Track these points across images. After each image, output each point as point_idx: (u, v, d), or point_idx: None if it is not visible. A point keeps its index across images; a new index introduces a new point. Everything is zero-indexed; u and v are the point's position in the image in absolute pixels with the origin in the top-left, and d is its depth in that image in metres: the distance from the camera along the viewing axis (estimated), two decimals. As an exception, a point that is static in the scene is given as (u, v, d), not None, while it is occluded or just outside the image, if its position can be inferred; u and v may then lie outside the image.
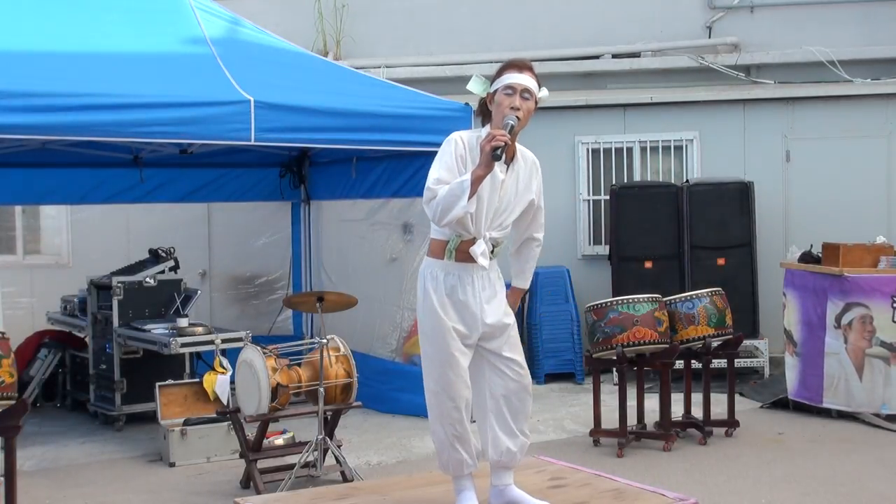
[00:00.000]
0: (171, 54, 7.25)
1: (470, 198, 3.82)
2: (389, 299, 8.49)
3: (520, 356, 4.18)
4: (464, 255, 4.04)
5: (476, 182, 3.84)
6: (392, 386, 8.27)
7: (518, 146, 4.18)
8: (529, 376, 4.21)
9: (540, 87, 4.11)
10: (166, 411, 7.23)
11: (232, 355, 7.03)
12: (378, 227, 8.76)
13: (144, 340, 7.82)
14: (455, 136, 4.05)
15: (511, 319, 4.18)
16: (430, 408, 4.12)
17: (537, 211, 4.30)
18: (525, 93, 4.02)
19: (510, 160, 4.10)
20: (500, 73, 4.10)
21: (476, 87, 4.09)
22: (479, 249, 4.02)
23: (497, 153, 3.82)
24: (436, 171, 3.96)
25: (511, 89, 4.02)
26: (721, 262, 9.61)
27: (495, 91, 4.06)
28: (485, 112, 4.17)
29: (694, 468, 6.69)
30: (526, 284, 4.43)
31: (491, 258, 4.11)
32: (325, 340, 6.14)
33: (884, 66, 10.46)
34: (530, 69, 4.10)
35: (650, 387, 7.99)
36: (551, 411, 8.52)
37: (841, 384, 7.83)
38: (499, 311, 4.13)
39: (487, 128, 4.10)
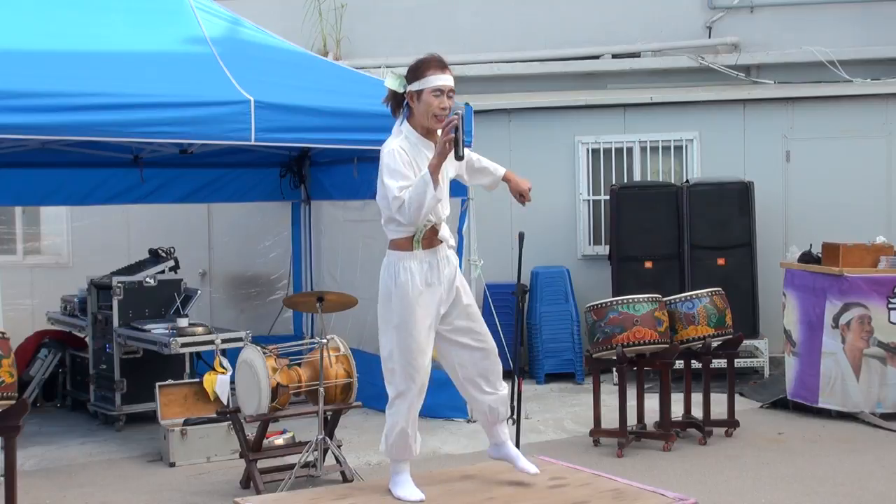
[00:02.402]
0: (172, 54, 7.25)
1: (435, 186, 4.12)
2: (389, 299, 8.47)
3: (478, 324, 4.46)
4: (428, 241, 4.36)
5: (435, 171, 4.13)
6: (392, 386, 8.25)
7: None
8: (491, 339, 4.49)
9: None
10: (166, 411, 7.23)
11: (232, 355, 7.03)
12: (380, 228, 8.72)
13: (144, 340, 7.82)
14: (392, 147, 4.28)
15: (469, 295, 4.46)
16: (398, 395, 4.51)
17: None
18: (451, 92, 4.31)
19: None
20: (422, 72, 4.29)
21: (393, 84, 4.34)
22: (447, 232, 4.40)
23: (459, 154, 4.15)
24: (395, 182, 4.22)
25: (440, 91, 4.27)
26: (721, 262, 9.60)
27: (420, 91, 4.27)
28: (397, 105, 4.39)
29: (694, 468, 6.69)
30: (499, 169, 4.62)
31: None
32: (325, 340, 6.14)
33: (884, 66, 10.47)
34: (448, 66, 4.35)
35: (650, 387, 7.99)
36: (551, 411, 8.52)
37: (837, 384, 7.83)
38: (454, 281, 4.40)
39: (407, 126, 4.33)
